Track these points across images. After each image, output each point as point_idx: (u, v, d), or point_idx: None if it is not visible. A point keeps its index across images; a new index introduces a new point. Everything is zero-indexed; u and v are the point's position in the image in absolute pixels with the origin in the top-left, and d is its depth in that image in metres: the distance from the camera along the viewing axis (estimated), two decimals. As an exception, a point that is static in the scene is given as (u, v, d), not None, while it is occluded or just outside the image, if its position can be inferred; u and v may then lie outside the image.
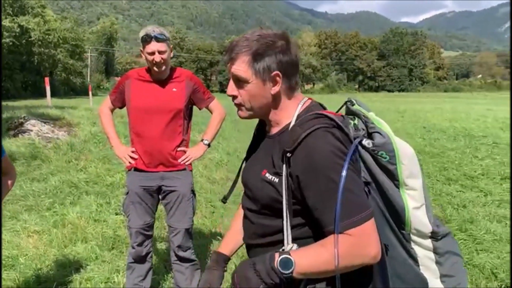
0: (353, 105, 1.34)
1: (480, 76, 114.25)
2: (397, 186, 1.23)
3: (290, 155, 1.21)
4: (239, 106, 1.35)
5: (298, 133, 1.20)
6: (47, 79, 13.97)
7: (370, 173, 1.24)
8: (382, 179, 1.23)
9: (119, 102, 2.98)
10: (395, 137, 1.24)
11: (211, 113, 3.14)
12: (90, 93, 23.09)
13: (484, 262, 3.59)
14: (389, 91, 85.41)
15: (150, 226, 2.98)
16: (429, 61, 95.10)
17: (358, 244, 1.13)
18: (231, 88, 1.33)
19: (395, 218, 1.25)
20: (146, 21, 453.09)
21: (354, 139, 1.23)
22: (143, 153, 2.85)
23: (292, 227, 1.27)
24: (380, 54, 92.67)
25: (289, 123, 1.31)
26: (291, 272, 1.14)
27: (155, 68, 2.75)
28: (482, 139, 10.31)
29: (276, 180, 1.26)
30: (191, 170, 3.00)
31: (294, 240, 1.27)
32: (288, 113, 1.33)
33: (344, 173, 1.12)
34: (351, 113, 1.34)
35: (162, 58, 2.71)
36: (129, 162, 2.89)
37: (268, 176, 1.28)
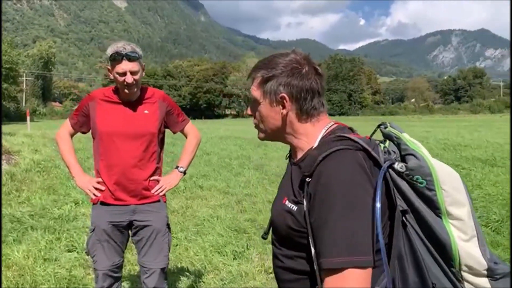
0: (386, 128, 1.25)
1: (413, 100, 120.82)
2: (439, 215, 1.09)
3: (309, 179, 1.10)
4: (256, 127, 1.34)
5: (315, 155, 1.12)
6: (-21, 104, 12.92)
7: (406, 201, 1.10)
8: (420, 208, 1.09)
9: (82, 126, 2.65)
10: (433, 160, 1.11)
11: (186, 137, 2.88)
12: (28, 118, 21.72)
13: None
14: (330, 115, 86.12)
15: (119, 267, 2.63)
16: (366, 86, 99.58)
17: None
18: (249, 108, 1.34)
19: (440, 252, 1.09)
20: (86, 44, 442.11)
21: (384, 163, 1.11)
22: (112, 184, 2.52)
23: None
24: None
25: (311, 148, 1.22)
26: None
27: (125, 90, 2.47)
28: (430, 160, 10.69)
29: (295, 208, 1.16)
30: (165, 202, 2.70)
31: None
32: (311, 138, 1.24)
33: (378, 204, 1.02)
34: (385, 137, 1.25)
35: (134, 79, 2.43)
36: (95, 195, 2.55)
37: (288, 204, 1.19)
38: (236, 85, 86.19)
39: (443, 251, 1.09)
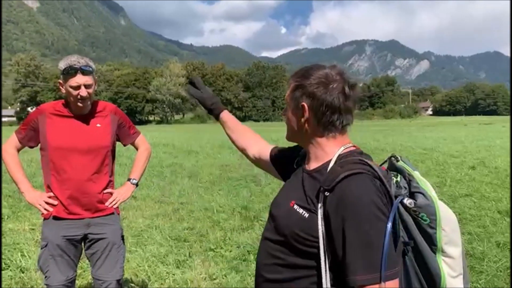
0: (397, 161, 1.34)
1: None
2: (434, 251, 1.20)
3: (327, 194, 1.17)
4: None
5: (338, 172, 1.18)
6: None
7: (408, 233, 1.21)
8: (419, 241, 1.20)
9: (30, 140, 2.60)
10: (439, 202, 1.22)
11: (136, 149, 2.93)
12: None
13: None
14: (255, 120, 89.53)
15: (73, 281, 2.61)
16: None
17: None
18: (284, 109, 1.45)
19: (429, 284, 1.21)
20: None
21: (395, 196, 1.20)
22: (65, 199, 2.50)
23: (317, 268, 1.21)
24: (246, 86, 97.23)
25: (328, 161, 1.28)
26: None
27: (79, 104, 2.47)
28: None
29: (306, 215, 1.23)
30: (119, 214, 2.73)
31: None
32: (328, 152, 1.31)
33: (388, 228, 1.10)
34: (394, 169, 1.33)
35: (88, 93, 2.46)
36: (47, 210, 2.52)
37: (297, 208, 1.26)
38: (159, 90, 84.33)
39: (433, 283, 1.20)
